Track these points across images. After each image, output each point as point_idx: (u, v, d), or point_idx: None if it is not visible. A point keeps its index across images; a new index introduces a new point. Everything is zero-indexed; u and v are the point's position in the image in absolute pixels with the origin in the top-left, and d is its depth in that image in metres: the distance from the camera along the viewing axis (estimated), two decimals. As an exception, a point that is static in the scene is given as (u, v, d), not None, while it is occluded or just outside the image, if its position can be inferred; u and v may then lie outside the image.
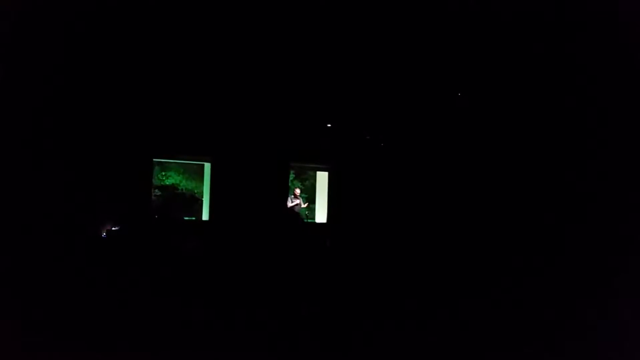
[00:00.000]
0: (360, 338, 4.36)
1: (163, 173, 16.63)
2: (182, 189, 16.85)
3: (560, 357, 4.03)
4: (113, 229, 8.56)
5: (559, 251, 5.85)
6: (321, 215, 13.39)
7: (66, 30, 6.74)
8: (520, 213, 7.28)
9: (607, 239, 5.22)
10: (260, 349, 3.90)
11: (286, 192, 11.69)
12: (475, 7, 6.54)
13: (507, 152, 8.09)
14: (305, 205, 12.61)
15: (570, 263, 5.54)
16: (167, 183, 16.77)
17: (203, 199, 12.20)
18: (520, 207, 7.36)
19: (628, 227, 4.99)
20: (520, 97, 7.75)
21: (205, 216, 11.68)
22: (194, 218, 13.23)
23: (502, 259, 6.57)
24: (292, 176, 16.62)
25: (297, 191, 12.26)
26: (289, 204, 11.38)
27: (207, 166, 11.76)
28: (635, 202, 4.99)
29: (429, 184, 10.61)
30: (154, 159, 11.29)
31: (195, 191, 16.22)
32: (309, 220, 12.32)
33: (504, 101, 8.25)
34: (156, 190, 15.54)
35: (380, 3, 6.68)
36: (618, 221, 5.19)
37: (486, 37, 7.34)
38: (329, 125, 11.87)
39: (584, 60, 5.85)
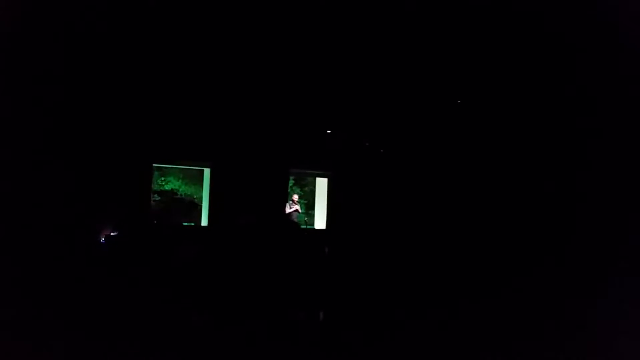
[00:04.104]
0: (359, 344, 4.35)
1: (162, 178, 16.64)
2: (181, 195, 16.87)
3: (559, 357, 4.03)
4: (112, 234, 8.55)
5: (559, 254, 5.85)
6: (320, 221, 13.40)
7: (66, 34, 6.76)
8: (521, 221, 7.28)
9: (607, 240, 5.23)
10: (258, 353, 3.89)
11: (285, 198, 11.70)
12: (473, 14, 6.56)
13: (507, 157, 8.10)
14: (300, 211, 12.63)
15: (570, 264, 5.54)
16: (167, 188, 16.79)
17: (202, 204, 12.20)
18: (521, 215, 7.36)
19: (629, 228, 5.00)
20: (521, 105, 7.77)
21: (204, 222, 11.68)
22: (193, 224, 13.22)
23: (502, 265, 6.57)
24: (291, 182, 16.64)
25: (295, 197, 12.28)
26: (287, 210, 11.39)
27: (207, 171, 11.77)
28: (635, 202, 5.00)
29: (428, 190, 10.61)
30: (154, 164, 11.30)
31: (195, 196, 16.23)
32: (308, 227, 12.34)
33: (505, 107, 8.27)
34: (155, 196, 15.56)
35: (380, 9, 6.70)
36: (619, 222, 5.20)
37: (485, 44, 7.37)
38: (329, 131, 11.90)
39: (584, 62, 5.88)
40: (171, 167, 14.69)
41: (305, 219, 13.00)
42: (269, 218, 10.35)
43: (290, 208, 11.64)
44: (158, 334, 4.30)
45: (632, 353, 3.86)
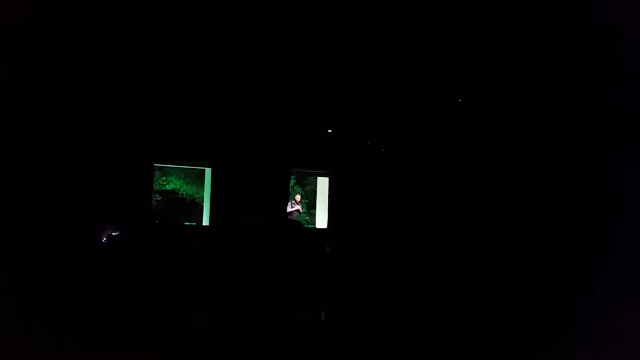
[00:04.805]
0: (361, 343, 4.36)
1: (164, 178, 16.68)
2: (182, 194, 16.90)
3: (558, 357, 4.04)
4: (113, 233, 8.55)
5: (560, 254, 5.85)
6: (321, 220, 13.41)
7: (66, 33, 6.77)
8: (523, 220, 7.28)
9: (607, 240, 5.23)
10: (260, 353, 3.89)
11: (287, 198, 11.70)
12: (475, 12, 6.56)
13: (509, 157, 8.10)
14: (301, 211, 12.65)
15: (570, 264, 5.54)
16: (168, 188, 16.83)
17: (203, 204, 12.21)
18: (522, 214, 7.36)
19: (629, 228, 5.00)
20: (522, 104, 7.76)
21: (205, 221, 11.69)
22: (194, 223, 13.24)
23: (503, 264, 6.56)
24: (292, 181, 16.65)
25: (298, 197, 12.27)
26: (289, 209, 11.40)
27: (208, 171, 11.79)
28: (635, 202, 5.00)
29: (430, 189, 10.61)
30: (155, 164, 11.32)
31: (196, 196, 16.26)
32: (309, 226, 12.35)
33: (506, 106, 8.27)
34: (157, 195, 15.59)
35: (381, 8, 6.70)
36: (618, 222, 5.20)
37: (488, 42, 7.36)
38: (330, 130, 11.90)
39: (584, 61, 5.87)
40: (172, 167, 14.71)
41: (307, 218, 12.99)
42: (270, 217, 10.33)
43: (292, 208, 11.64)
44: (159, 333, 4.30)
45: (631, 353, 3.86)
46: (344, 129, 11.80)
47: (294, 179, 16.74)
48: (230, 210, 10.91)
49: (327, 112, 10.82)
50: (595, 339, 4.14)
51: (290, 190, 13.08)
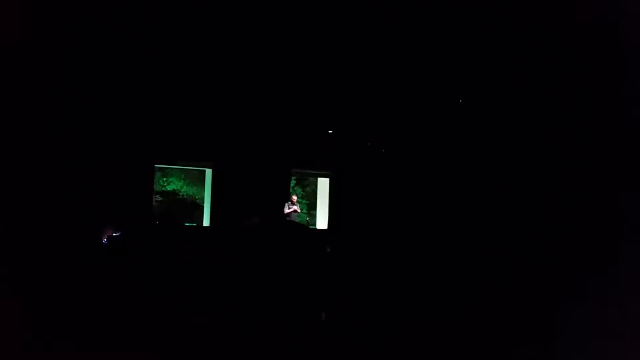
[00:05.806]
0: (361, 344, 4.36)
1: (164, 179, 16.67)
2: (183, 195, 16.90)
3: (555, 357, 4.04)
4: (114, 234, 8.56)
5: (560, 254, 5.86)
6: (322, 221, 13.41)
7: (67, 34, 6.77)
8: (521, 220, 7.28)
9: (605, 240, 5.24)
10: (261, 354, 3.91)
11: (287, 199, 11.71)
12: (475, 12, 6.56)
13: (509, 157, 8.11)
14: (299, 211, 12.62)
15: (569, 264, 5.55)
16: (168, 189, 16.82)
17: (204, 205, 12.22)
18: (522, 214, 7.36)
19: (627, 228, 5.01)
20: (522, 104, 7.77)
21: (206, 222, 11.69)
22: (195, 224, 13.24)
23: (503, 264, 6.57)
24: (293, 182, 16.65)
25: (294, 198, 12.20)
26: (286, 210, 11.37)
27: (208, 172, 11.79)
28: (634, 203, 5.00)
29: (430, 189, 10.61)
30: (156, 165, 11.32)
31: (196, 197, 16.26)
32: (310, 227, 12.34)
33: (506, 106, 8.28)
34: (157, 196, 15.58)
35: (381, 9, 6.71)
36: (617, 223, 5.21)
37: (488, 43, 7.37)
38: (330, 131, 11.90)
39: (586, 62, 5.88)
40: (173, 168, 14.72)
41: (307, 219, 12.98)
42: (271, 218, 10.36)
43: (289, 208, 11.59)
44: (159, 334, 4.31)
45: (630, 354, 3.86)
46: (344, 129, 11.81)
47: (294, 179, 16.74)
48: (231, 211, 10.91)
49: (327, 112, 10.82)
50: (594, 339, 4.15)
51: (290, 191, 13.08)
